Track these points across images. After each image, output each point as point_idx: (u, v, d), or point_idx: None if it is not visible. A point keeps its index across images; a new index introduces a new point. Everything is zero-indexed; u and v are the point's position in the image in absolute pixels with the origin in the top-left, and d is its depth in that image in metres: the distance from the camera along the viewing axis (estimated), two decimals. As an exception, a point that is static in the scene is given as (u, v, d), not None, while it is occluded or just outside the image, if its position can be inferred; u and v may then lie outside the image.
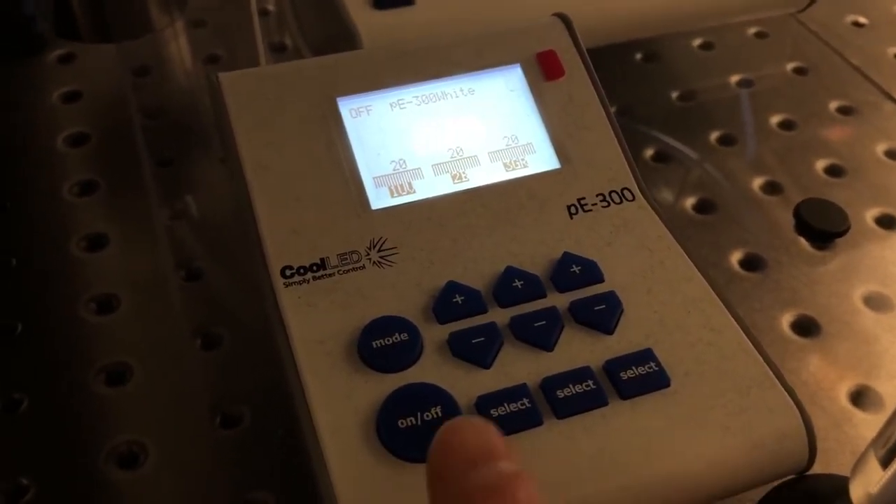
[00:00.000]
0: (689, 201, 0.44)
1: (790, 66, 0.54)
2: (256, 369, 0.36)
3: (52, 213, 0.43)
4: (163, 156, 0.45)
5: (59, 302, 0.38)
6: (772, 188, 0.45)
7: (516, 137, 0.34)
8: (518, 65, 0.35)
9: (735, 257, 0.41)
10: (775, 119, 0.50)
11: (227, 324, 0.38)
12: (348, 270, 0.30)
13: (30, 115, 0.48)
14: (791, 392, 0.28)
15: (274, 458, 0.33)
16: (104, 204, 0.43)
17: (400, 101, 0.34)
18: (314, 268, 0.30)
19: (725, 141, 0.48)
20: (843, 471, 0.28)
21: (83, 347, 0.37)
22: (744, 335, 0.29)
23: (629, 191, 0.33)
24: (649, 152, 0.47)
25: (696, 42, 0.55)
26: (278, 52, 0.52)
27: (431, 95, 0.34)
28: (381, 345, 0.28)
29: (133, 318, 0.38)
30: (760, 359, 0.29)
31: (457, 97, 0.34)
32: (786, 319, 0.39)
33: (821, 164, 0.47)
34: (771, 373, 0.28)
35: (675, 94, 0.51)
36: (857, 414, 0.35)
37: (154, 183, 0.44)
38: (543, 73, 0.35)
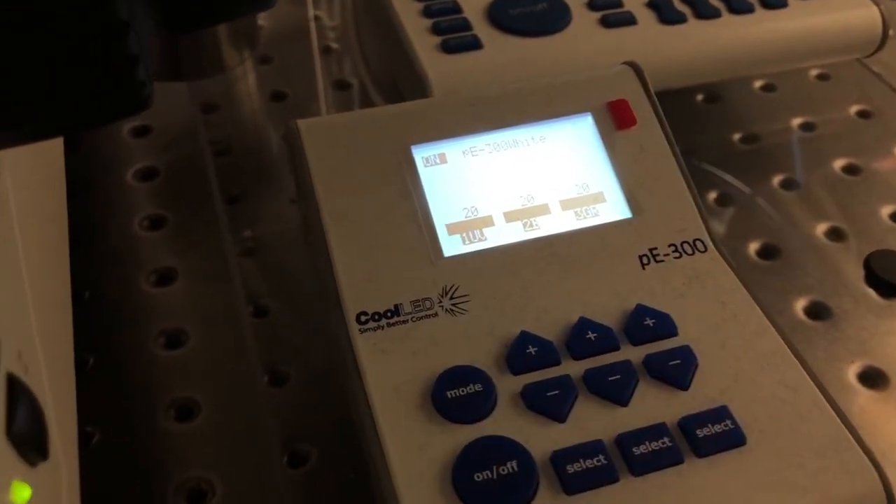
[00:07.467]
0: (753, 246, 0.44)
1: (854, 109, 0.53)
2: (322, 408, 0.36)
3: (123, 246, 0.44)
4: (230, 192, 0.46)
5: (129, 335, 0.39)
6: (836, 234, 0.45)
7: (587, 186, 0.34)
8: (589, 113, 0.35)
9: (800, 305, 0.41)
10: (839, 163, 0.49)
11: (292, 362, 0.38)
12: (421, 318, 0.30)
13: (100, 149, 0.49)
14: (869, 453, 0.28)
15: (341, 497, 0.33)
16: (173, 238, 0.44)
17: (472, 149, 0.34)
18: (388, 314, 0.30)
19: (788, 185, 0.48)
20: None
21: (153, 381, 0.37)
22: (819, 393, 0.29)
23: (701, 242, 0.33)
24: (712, 195, 0.47)
25: (758, 84, 0.55)
26: (342, 89, 0.52)
27: (503, 143, 0.34)
28: (456, 395, 0.28)
29: (201, 353, 0.39)
30: (836, 418, 0.28)
31: (528, 145, 0.34)
32: (852, 370, 0.38)
33: (886, 211, 0.46)
34: (847, 432, 0.28)
35: (736, 137, 0.51)
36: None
37: (222, 218, 0.45)
38: (615, 121, 0.35)
